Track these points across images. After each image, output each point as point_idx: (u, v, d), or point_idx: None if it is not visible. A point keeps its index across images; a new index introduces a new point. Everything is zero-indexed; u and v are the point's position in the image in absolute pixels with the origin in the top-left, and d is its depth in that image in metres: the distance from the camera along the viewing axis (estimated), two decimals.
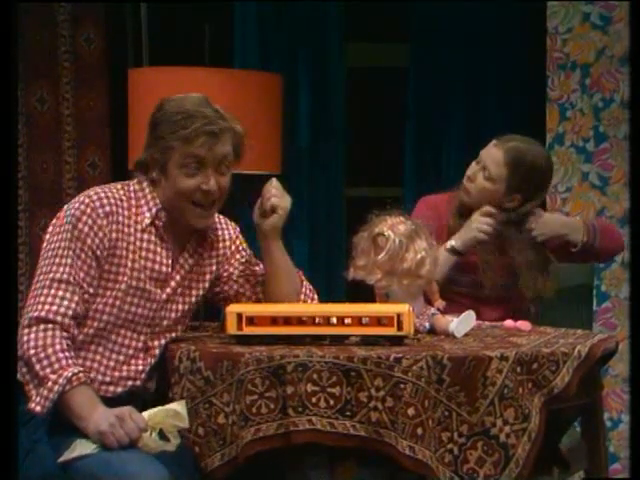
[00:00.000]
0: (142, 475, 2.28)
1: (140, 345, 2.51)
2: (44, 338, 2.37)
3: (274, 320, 2.49)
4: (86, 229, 2.45)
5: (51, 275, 2.42)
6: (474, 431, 2.37)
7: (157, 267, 2.51)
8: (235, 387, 2.38)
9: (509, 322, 2.86)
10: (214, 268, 2.63)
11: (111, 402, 2.40)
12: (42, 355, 2.35)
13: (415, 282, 2.66)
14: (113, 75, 4.22)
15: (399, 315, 2.46)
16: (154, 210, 2.51)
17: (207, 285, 2.63)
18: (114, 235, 2.47)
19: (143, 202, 2.52)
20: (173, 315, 2.55)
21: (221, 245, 2.66)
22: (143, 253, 2.49)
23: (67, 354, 2.37)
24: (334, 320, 2.48)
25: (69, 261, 2.43)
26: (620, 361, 3.88)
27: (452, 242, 3.12)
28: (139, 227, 2.50)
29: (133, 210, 2.50)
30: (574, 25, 4.12)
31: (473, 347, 2.50)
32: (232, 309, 2.51)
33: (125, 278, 2.47)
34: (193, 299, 2.60)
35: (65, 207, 2.51)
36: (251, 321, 2.49)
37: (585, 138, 4.12)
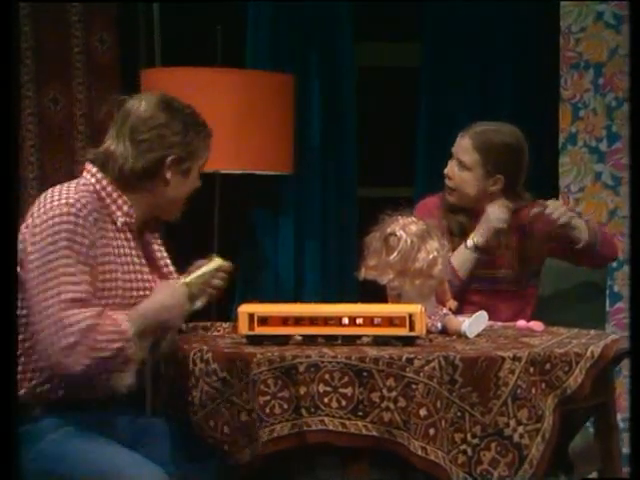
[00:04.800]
0: (141, 477, 2.29)
1: None
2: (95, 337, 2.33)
3: (286, 320, 2.48)
4: (78, 239, 2.37)
5: (66, 296, 2.34)
6: (487, 432, 2.37)
7: (136, 259, 2.49)
8: (250, 387, 2.38)
9: (521, 322, 2.85)
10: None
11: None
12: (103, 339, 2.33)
13: (427, 282, 2.65)
14: (126, 76, 4.22)
15: (411, 315, 2.45)
16: (125, 208, 2.47)
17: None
18: (99, 233, 2.42)
19: (110, 201, 2.46)
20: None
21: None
22: (124, 250, 2.46)
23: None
24: (346, 320, 2.48)
25: (76, 279, 2.35)
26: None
27: (472, 239, 3.12)
28: (113, 227, 2.46)
29: (104, 211, 2.46)
30: (587, 24, 4.10)
31: (485, 348, 2.49)
32: (244, 309, 2.51)
33: (119, 292, 2.44)
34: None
35: (42, 216, 2.38)
36: (263, 321, 2.48)
37: (598, 138, 4.11)
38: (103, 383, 2.41)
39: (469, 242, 3.12)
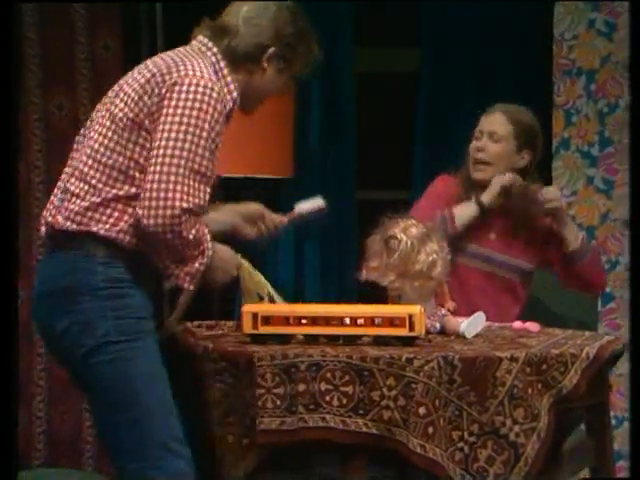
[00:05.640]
0: None
1: None
2: (194, 224, 2.29)
3: (288, 320, 2.48)
4: (214, 123, 2.32)
5: (194, 166, 2.28)
6: (484, 430, 2.37)
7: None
8: (253, 382, 2.37)
9: (518, 323, 2.85)
10: None
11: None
12: (196, 239, 2.30)
13: (427, 284, 2.66)
14: None
15: (411, 316, 2.46)
16: (234, 95, 2.44)
17: None
18: (223, 118, 2.38)
19: (223, 83, 2.42)
20: None
21: None
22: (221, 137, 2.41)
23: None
24: (347, 320, 2.48)
25: (208, 154, 2.31)
26: (625, 361, 3.86)
27: (480, 197, 3.11)
28: (224, 110, 2.41)
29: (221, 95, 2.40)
30: (580, 32, 4.11)
31: (483, 348, 2.50)
32: (248, 309, 2.51)
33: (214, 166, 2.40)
34: None
35: (184, 88, 2.31)
36: (266, 320, 2.49)
37: (590, 143, 4.11)
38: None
39: (474, 198, 3.11)
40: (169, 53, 2.46)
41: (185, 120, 2.31)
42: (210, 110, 2.33)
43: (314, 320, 2.48)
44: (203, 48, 2.45)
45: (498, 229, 3.20)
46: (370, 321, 2.47)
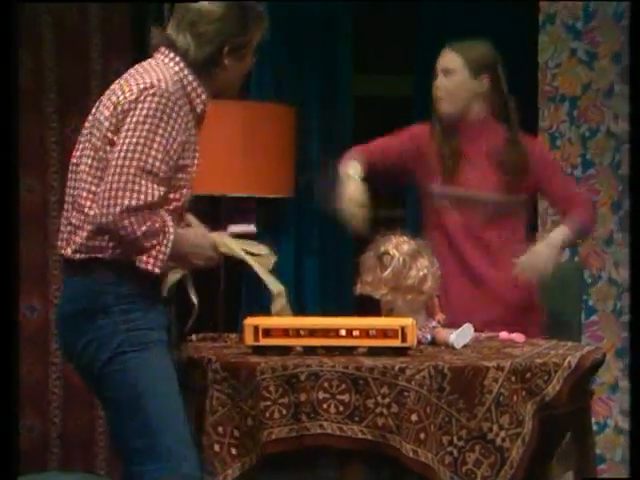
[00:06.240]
0: None
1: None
2: (146, 219, 2.29)
3: (288, 332, 2.48)
4: (171, 123, 2.33)
5: (146, 167, 2.29)
6: (472, 435, 2.36)
7: (195, 150, 2.45)
8: (254, 393, 2.37)
9: (504, 334, 2.84)
10: None
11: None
12: (150, 229, 2.30)
13: (418, 297, 2.65)
14: None
15: (403, 328, 2.45)
16: (203, 97, 2.44)
17: None
18: (186, 125, 2.38)
19: (190, 89, 2.42)
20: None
21: None
22: (194, 138, 2.43)
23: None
24: (343, 332, 2.47)
25: (161, 156, 2.31)
26: (606, 370, 3.85)
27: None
28: (191, 115, 2.42)
29: (185, 99, 2.41)
30: (562, 60, 4.12)
31: (471, 358, 2.49)
32: (249, 322, 2.50)
33: (188, 165, 2.40)
34: None
35: (142, 97, 2.32)
36: (267, 333, 2.48)
37: (574, 165, 4.11)
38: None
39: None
40: (136, 67, 2.45)
41: (139, 127, 2.32)
42: (165, 117, 2.33)
43: (312, 332, 2.47)
44: (166, 59, 2.44)
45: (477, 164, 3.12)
46: (365, 333, 2.46)
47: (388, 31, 4.26)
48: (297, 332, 2.47)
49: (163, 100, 2.34)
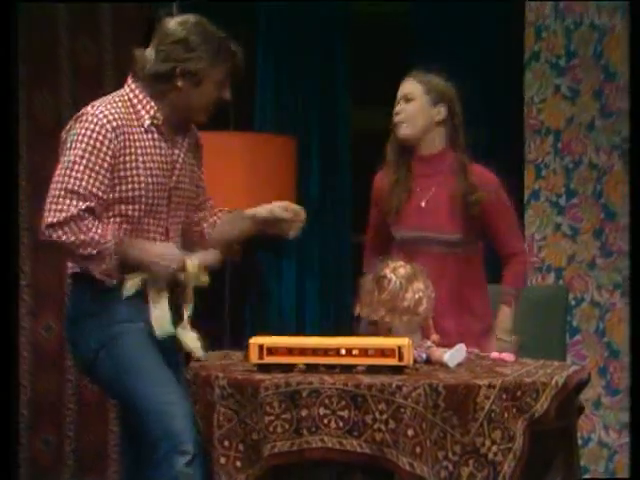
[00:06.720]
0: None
1: (161, 230, 2.52)
2: (77, 232, 2.40)
3: (291, 351, 2.48)
4: (98, 144, 2.42)
5: (67, 186, 2.40)
6: (466, 450, 2.36)
7: (163, 158, 2.51)
8: (258, 409, 2.37)
9: (495, 354, 2.84)
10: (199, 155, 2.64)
11: None
12: (85, 239, 2.40)
13: (413, 319, 2.65)
14: None
15: (400, 347, 2.45)
16: (152, 112, 2.49)
17: (201, 166, 2.63)
18: (122, 143, 2.45)
19: (140, 107, 2.49)
20: (183, 199, 2.56)
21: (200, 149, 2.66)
22: (149, 150, 2.49)
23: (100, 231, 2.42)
24: (343, 351, 2.47)
25: (84, 176, 2.41)
26: (590, 387, 3.85)
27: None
28: (142, 129, 2.48)
29: (133, 116, 2.48)
30: (547, 96, 4.14)
31: (464, 376, 2.48)
32: (254, 341, 2.50)
33: (141, 177, 2.46)
34: (195, 180, 2.60)
35: (75, 125, 2.45)
36: (271, 352, 2.48)
37: (558, 194, 4.13)
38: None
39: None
40: None
41: (67, 152, 2.45)
42: (91, 139, 2.43)
43: (314, 351, 2.47)
44: (125, 85, 2.54)
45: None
46: (364, 352, 2.46)
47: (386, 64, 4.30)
48: (300, 351, 2.47)
49: (90, 125, 2.44)
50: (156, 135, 2.50)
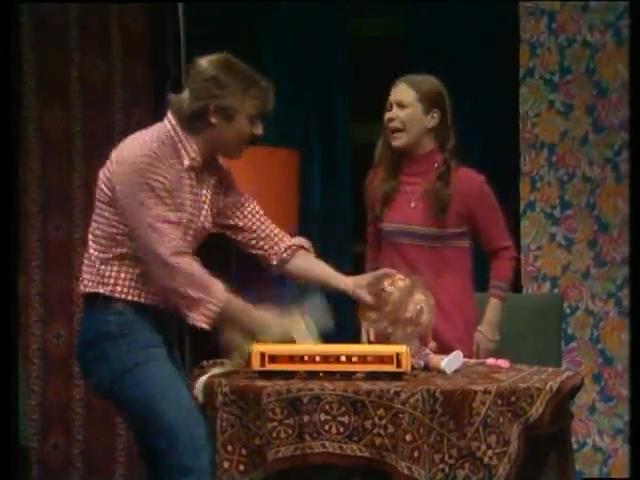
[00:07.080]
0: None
1: None
2: (188, 268, 2.40)
3: (292, 358, 2.47)
4: (157, 176, 2.41)
5: (161, 216, 2.40)
6: (462, 454, 2.34)
7: (195, 197, 2.51)
8: (261, 415, 2.36)
9: (491, 360, 2.82)
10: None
11: (160, 309, 2.48)
12: (194, 281, 2.39)
13: (416, 329, 2.64)
14: None
15: (398, 354, 2.44)
16: (192, 154, 2.49)
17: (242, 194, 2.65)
18: (171, 177, 2.45)
19: (180, 146, 2.48)
20: (203, 238, 2.58)
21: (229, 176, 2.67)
22: (186, 189, 2.48)
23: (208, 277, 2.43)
24: (343, 358, 2.46)
25: (165, 205, 2.41)
26: (584, 392, 3.84)
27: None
28: (181, 168, 2.48)
29: (176, 154, 2.47)
30: (541, 110, 4.14)
31: (461, 382, 2.47)
32: (257, 349, 2.49)
33: (186, 214, 2.48)
34: (214, 217, 2.60)
35: (126, 157, 2.43)
36: (273, 359, 2.47)
37: (553, 205, 4.13)
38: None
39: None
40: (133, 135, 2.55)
41: (127, 189, 2.42)
42: (148, 173, 2.41)
43: (314, 358, 2.46)
44: (165, 120, 2.52)
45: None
46: (363, 359, 2.45)
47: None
48: (301, 358, 2.46)
49: (138, 164, 2.42)
50: (192, 174, 2.50)
